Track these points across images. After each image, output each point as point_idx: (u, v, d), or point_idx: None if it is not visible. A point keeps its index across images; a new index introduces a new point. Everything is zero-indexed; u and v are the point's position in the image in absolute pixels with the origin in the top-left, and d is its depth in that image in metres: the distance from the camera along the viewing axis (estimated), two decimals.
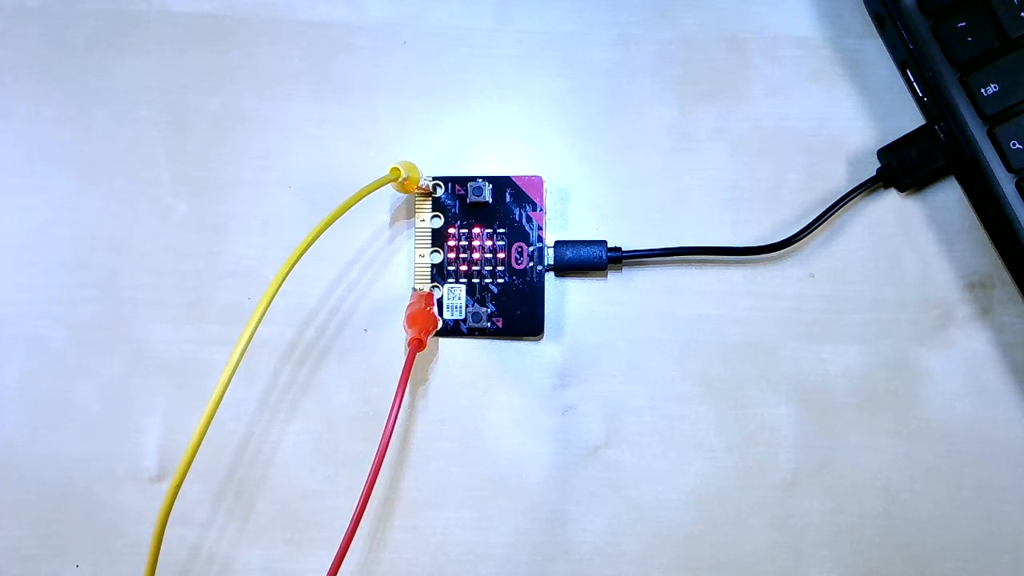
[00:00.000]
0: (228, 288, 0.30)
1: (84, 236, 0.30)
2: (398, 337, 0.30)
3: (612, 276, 0.30)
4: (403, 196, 0.30)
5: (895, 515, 0.29)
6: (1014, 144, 0.27)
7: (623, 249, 0.29)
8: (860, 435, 0.29)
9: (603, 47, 0.31)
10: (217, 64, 0.31)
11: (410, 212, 0.30)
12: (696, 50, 0.30)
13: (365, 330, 0.30)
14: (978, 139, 0.28)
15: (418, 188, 0.29)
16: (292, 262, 0.23)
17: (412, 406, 0.30)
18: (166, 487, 0.29)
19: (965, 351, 0.29)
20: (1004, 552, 0.29)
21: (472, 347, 0.30)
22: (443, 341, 0.30)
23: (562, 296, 0.30)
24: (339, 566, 0.25)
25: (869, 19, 0.30)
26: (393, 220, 0.30)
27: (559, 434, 0.29)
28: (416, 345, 0.26)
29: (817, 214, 0.29)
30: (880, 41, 0.30)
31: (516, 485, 0.29)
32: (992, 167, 0.27)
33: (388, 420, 0.25)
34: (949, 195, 0.30)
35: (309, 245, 0.23)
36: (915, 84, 0.29)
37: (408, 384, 0.29)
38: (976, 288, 0.29)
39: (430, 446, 0.29)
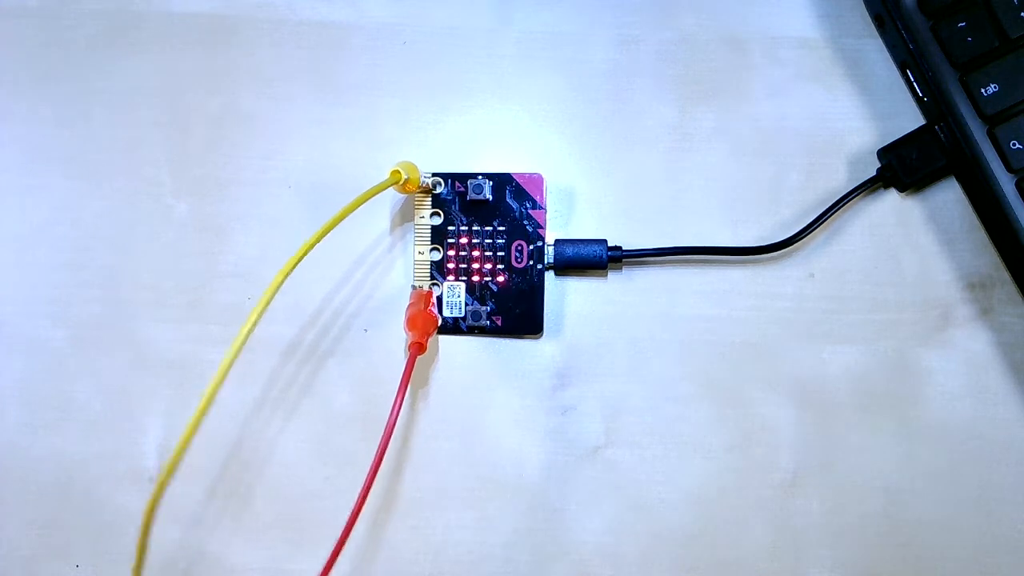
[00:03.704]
0: (228, 288, 0.30)
1: (84, 236, 0.30)
2: (398, 337, 0.30)
3: (612, 275, 0.30)
4: (404, 196, 0.30)
5: (895, 515, 0.29)
6: (1014, 144, 0.27)
7: (623, 248, 0.29)
8: (860, 435, 0.29)
9: (603, 47, 0.31)
10: (217, 64, 0.31)
11: (410, 213, 0.30)
12: (696, 50, 0.30)
13: (365, 330, 0.30)
14: (978, 139, 0.28)
15: (418, 187, 0.29)
16: (291, 267, 0.23)
17: (412, 407, 0.30)
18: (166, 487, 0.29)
19: (965, 351, 0.29)
20: (1004, 552, 0.29)
21: (472, 347, 0.30)
22: (443, 341, 0.30)
23: (562, 295, 0.30)
24: (331, 566, 0.25)
25: (869, 19, 0.30)
26: (393, 221, 0.30)
27: (559, 434, 0.29)
28: (416, 349, 0.26)
29: (817, 214, 0.29)
30: (880, 41, 0.30)
31: (516, 485, 0.29)
32: (992, 167, 0.27)
33: (387, 424, 0.25)
34: (949, 195, 0.30)
35: (308, 251, 0.23)
36: (915, 84, 0.29)
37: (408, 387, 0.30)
38: (976, 288, 0.29)
39: (430, 446, 0.29)
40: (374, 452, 0.29)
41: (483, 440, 0.29)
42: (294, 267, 0.23)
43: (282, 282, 0.23)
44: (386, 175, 0.27)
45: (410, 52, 0.31)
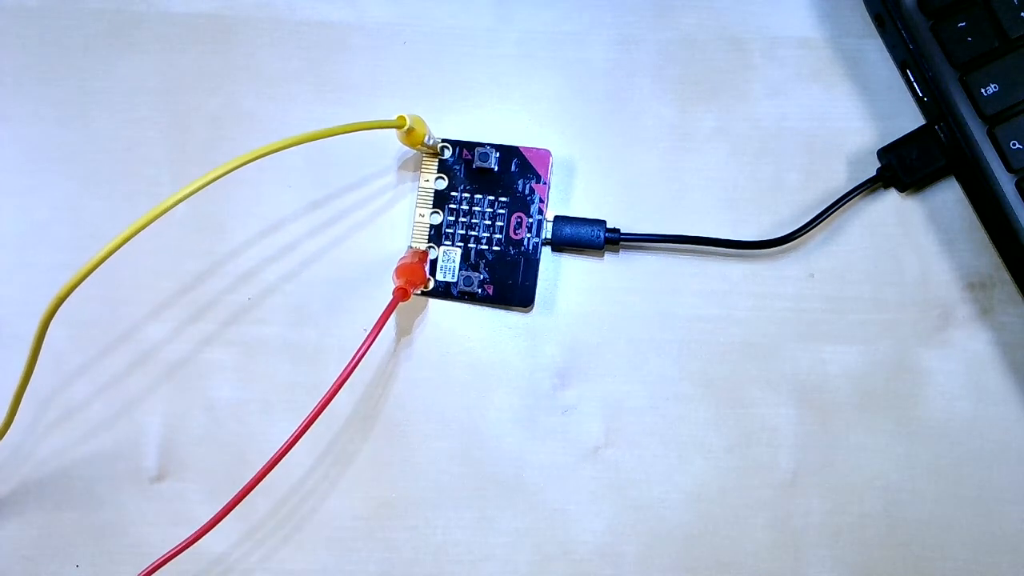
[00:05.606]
0: (228, 288, 0.30)
1: (84, 236, 0.30)
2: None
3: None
4: (405, 196, 0.30)
5: (895, 515, 0.29)
6: (1014, 144, 0.27)
7: (621, 231, 0.29)
8: (860, 435, 0.29)
9: (603, 47, 0.31)
10: (217, 64, 0.31)
11: (412, 223, 0.30)
12: (696, 50, 0.30)
13: (364, 329, 0.30)
14: (978, 139, 0.28)
15: (424, 145, 0.28)
16: (260, 154, 0.22)
17: (411, 406, 0.30)
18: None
19: (965, 351, 0.29)
20: (1004, 552, 0.29)
21: (473, 347, 0.30)
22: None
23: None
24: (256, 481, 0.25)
25: (869, 19, 0.30)
26: (394, 222, 0.30)
27: (559, 434, 0.29)
28: (400, 294, 0.26)
29: (816, 213, 0.29)
30: (880, 41, 0.30)
31: (516, 485, 0.29)
32: (992, 167, 0.27)
33: (355, 355, 0.25)
34: (949, 195, 0.30)
35: (277, 150, 0.22)
36: (915, 84, 0.29)
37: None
38: (976, 288, 0.29)
39: (429, 446, 0.29)
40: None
41: (483, 440, 0.29)
42: (260, 156, 0.22)
43: (238, 167, 0.22)
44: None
45: (410, 52, 0.31)
